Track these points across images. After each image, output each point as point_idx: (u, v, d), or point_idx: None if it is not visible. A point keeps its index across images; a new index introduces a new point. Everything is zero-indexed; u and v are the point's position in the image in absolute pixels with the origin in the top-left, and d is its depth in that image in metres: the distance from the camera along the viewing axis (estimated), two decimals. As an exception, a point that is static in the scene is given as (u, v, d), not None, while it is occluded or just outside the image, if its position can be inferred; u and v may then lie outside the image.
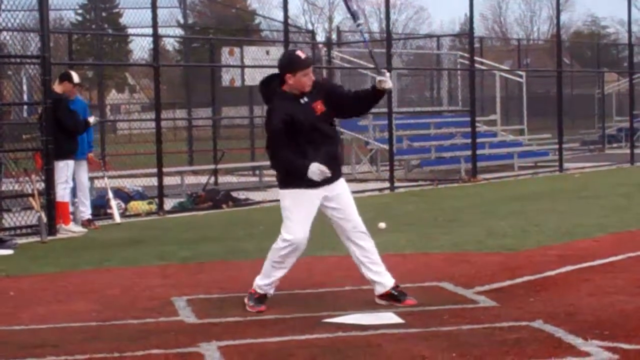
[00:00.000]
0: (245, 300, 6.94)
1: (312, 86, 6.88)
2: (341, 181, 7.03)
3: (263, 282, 6.95)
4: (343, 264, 8.22)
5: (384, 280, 7.01)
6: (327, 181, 6.82)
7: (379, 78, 6.81)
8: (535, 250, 9.52)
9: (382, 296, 7.00)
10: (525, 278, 7.89)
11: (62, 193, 11.73)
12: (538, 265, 8.49)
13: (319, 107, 6.86)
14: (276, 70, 6.96)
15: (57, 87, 11.87)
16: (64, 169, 11.75)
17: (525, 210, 13.48)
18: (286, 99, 6.82)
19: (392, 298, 6.96)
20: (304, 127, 6.77)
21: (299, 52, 6.97)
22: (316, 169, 6.70)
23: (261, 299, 6.90)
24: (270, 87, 6.92)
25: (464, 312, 6.65)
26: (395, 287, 7.02)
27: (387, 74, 6.87)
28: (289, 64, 6.84)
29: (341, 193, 6.98)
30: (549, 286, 7.56)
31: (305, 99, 6.84)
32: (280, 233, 6.90)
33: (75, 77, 12.10)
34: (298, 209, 6.83)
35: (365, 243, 7.01)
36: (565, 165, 21.81)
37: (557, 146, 22.13)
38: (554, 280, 7.86)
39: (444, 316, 6.51)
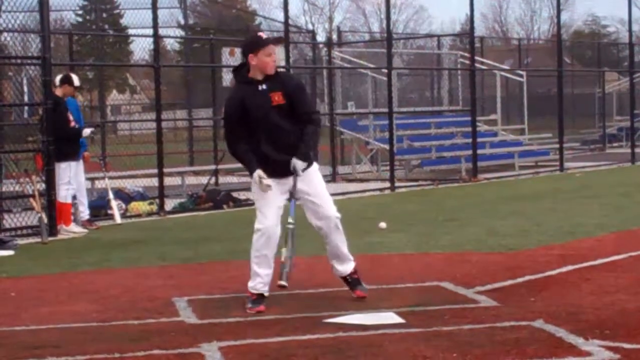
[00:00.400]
0: (246, 304, 6.94)
1: (278, 74, 6.91)
2: (310, 170, 7.01)
3: (253, 282, 6.95)
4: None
5: (342, 269, 7.20)
6: (290, 173, 6.87)
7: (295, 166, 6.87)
8: (536, 250, 9.52)
9: (343, 278, 7.24)
10: (526, 277, 7.88)
11: (65, 194, 11.74)
12: (539, 265, 8.49)
13: (277, 97, 6.84)
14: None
15: (58, 91, 11.87)
16: (67, 170, 11.76)
17: (526, 209, 13.48)
18: (245, 83, 6.86)
19: (347, 283, 7.22)
20: (256, 114, 6.79)
21: (260, 33, 7.05)
22: (256, 178, 6.79)
23: (258, 299, 6.90)
24: (240, 73, 6.95)
25: (464, 311, 6.64)
26: (352, 274, 7.19)
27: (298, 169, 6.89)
28: (250, 44, 6.90)
29: (310, 180, 6.97)
30: (550, 286, 7.55)
31: (264, 87, 6.84)
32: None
33: (76, 80, 12.11)
34: (261, 198, 6.89)
35: (332, 228, 7.03)
36: (566, 164, 21.81)
37: (557, 145, 22.14)
38: (555, 279, 7.85)
39: (444, 316, 6.50)
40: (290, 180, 6.93)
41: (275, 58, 6.89)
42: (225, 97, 6.62)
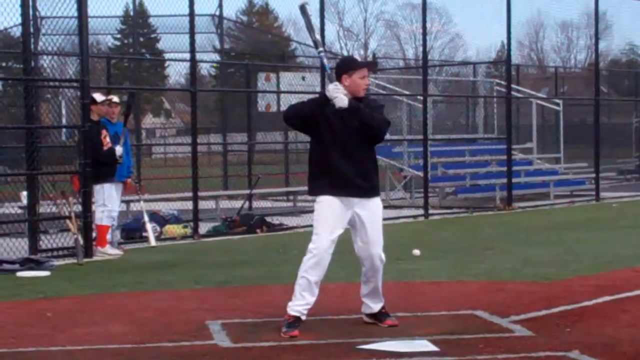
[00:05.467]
0: (281, 327, 6.93)
1: (365, 97, 7.02)
2: (376, 201, 7.08)
3: (294, 303, 6.94)
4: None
5: (374, 306, 7.21)
6: (358, 194, 6.90)
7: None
8: (572, 280, 9.43)
9: (368, 316, 7.24)
10: (562, 308, 7.82)
11: (100, 216, 11.82)
12: (575, 295, 8.41)
13: None
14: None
15: (92, 114, 11.95)
16: (101, 192, 11.83)
17: (562, 239, 13.37)
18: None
19: (375, 318, 7.19)
20: (338, 131, 6.88)
21: (355, 56, 7.14)
22: (331, 87, 6.81)
23: (294, 323, 6.88)
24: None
25: (499, 341, 6.59)
26: (381, 310, 7.23)
27: (335, 93, 6.81)
28: (346, 64, 7.02)
29: (372, 210, 7.01)
30: (586, 316, 7.48)
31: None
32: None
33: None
34: (321, 220, 6.94)
35: (374, 267, 7.10)
36: (602, 194, 21.62)
37: (593, 175, 21.96)
38: (591, 310, 7.78)
39: (479, 345, 6.45)
40: (355, 203, 6.92)
41: (367, 81, 7.04)
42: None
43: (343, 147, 6.89)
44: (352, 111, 6.83)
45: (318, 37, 7.28)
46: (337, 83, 6.87)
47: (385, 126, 7.06)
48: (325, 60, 7.25)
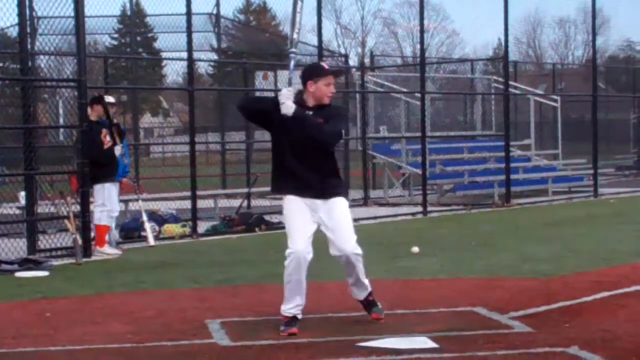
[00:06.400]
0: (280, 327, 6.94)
1: (329, 105, 6.98)
2: (335, 200, 7.02)
3: (286, 306, 6.97)
4: (377, 288, 8.16)
5: (359, 293, 7.22)
6: (317, 195, 6.91)
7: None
8: (571, 276, 9.45)
9: (359, 300, 7.27)
10: (561, 304, 7.83)
11: (99, 216, 11.83)
12: (573, 291, 8.42)
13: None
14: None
15: (91, 114, 11.93)
16: (101, 191, 11.84)
17: (560, 235, 13.39)
18: (296, 103, 6.88)
19: (363, 306, 7.24)
20: (295, 135, 6.84)
21: (323, 63, 7.14)
22: (284, 91, 6.84)
23: (291, 321, 6.90)
24: (296, 95, 6.99)
25: (498, 337, 6.60)
26: (367, 297, 7.23)
27: (284, 99, 6.85)
28: (311, 71, 7.03)
29: (331, 210, 6.96)
30: (585, 312, 7.49)
31: (310, 113, 6.91)
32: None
33: (108, 98, 12.12)
34: (291, 223, 6.94)
35: (349, 262, 7.07)
36: (600, 190, 21.64)
37: (591, 171, 21.98)
38: (590, 306, 7.79)
39: (478, 341, 6.46)
40: (318, 206, 6.92)
41: (333, 88, 7.00)
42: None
43: (299, 151, 6.89)
44: (297, 120, 6.82)
45: (296, 37, 7.24)
46: (290, 89, 6.89)
47: (334, 138, 6.99)
48: (292, 63, 7.20)
